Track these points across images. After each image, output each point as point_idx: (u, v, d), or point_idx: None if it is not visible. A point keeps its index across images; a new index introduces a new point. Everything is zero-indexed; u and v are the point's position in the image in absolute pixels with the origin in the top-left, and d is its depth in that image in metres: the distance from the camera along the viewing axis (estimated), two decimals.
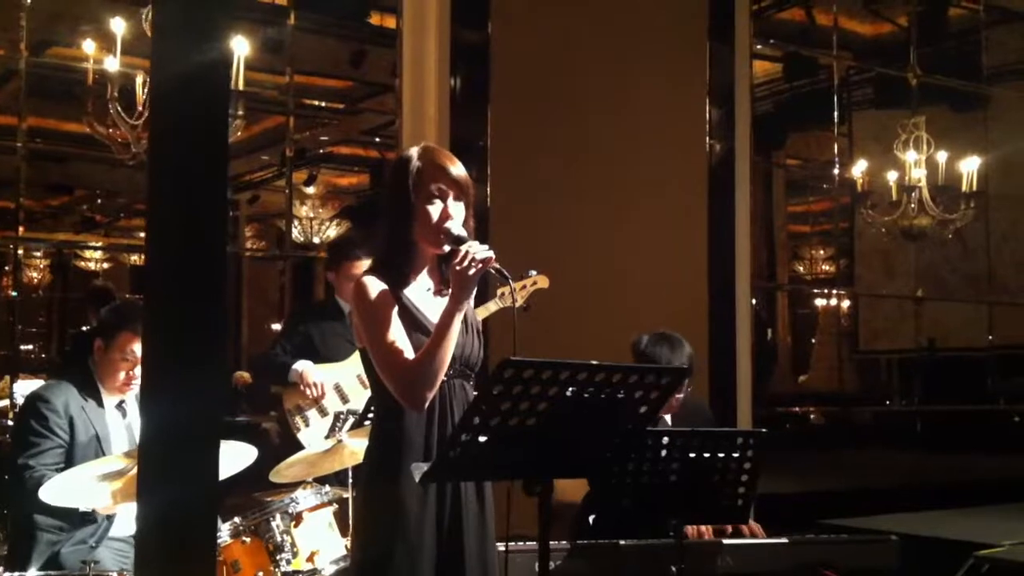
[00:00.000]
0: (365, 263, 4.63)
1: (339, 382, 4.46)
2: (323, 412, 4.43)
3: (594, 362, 2.21)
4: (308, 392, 4.42)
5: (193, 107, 1.49)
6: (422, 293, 2.70)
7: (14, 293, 7.08)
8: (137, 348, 3.46)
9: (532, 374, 2.15)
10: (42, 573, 3.10)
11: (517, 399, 2.18)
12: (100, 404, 3.51)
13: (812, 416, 10.95)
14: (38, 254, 14.29)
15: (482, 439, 2.22)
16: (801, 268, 14.45)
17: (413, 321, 2.62)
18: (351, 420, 4.05)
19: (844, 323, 11.84)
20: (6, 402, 6.01)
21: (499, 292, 3.96)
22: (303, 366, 4.46)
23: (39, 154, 9.91)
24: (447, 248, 2.64)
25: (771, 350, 13.57)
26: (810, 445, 9.72)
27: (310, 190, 12.63)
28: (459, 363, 2.64)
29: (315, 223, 13.08)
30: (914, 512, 6.04)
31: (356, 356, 4.50)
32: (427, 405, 2.56)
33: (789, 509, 5.51)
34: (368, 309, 2.59)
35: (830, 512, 5.74)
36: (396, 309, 2.60)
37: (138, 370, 3.48)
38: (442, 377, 2.55)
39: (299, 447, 4.14)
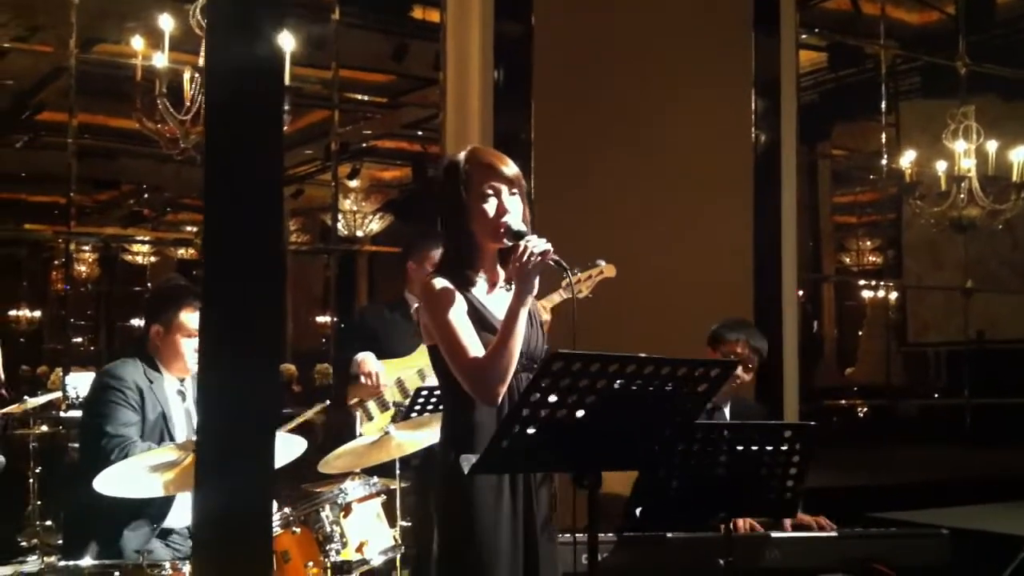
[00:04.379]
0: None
1: (401, 376, 4.46)
2: (384, 406, 4.44)
3: (643, 355, 2.21)
4: (364, 381, 4.42)
5: (248, 101, 1.50)
6: (487, 291, 2.75)
7: (67, 287, 7.20)
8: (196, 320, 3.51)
9: (581, 367, 2.16)
10: (97, 562, 3.13)
11: (566, 391, 2.19)
12: (163, 385, 3.57)
13: (859, 410, 10.85)
14: (87, 248, 14.49)
15: (531, 431, 2.23)
16: (847, 259, 14.30)
17: (480, 319, 2.67)
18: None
19: (892, 315, 11.69)
20: (58, 394, 6.10)
21: (563, 283, 3.93)
22: (363, 356, 4.46)
23: (88, 150, 10.03)
24: (508, 243, 2.67)
25: (817, 342, 13.46)
26: (857, 439, 9.63)
27: (354, 184, 12.69)
28: (525, 357, 2.67)
29: (358, 217, 13.15)
30: (963, 506, 5.97)
31: (419, 352, 4.50)
32: (500, 399, 2.59)
33: (837, 503, 5.47)
34: (437, 309, 2.64)
35: (878, 506, 5.69)
36: (465, 308, 2.64)
37: None
38: (512, 371, 2.58)
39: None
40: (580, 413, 2.24)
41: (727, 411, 4.00)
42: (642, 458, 2.56)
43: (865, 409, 10.90)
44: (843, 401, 11.58)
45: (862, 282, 14.30)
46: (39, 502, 5.85)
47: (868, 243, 13.99)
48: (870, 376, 12.33)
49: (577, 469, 2.38)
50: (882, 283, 12.50)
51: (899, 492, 6.60)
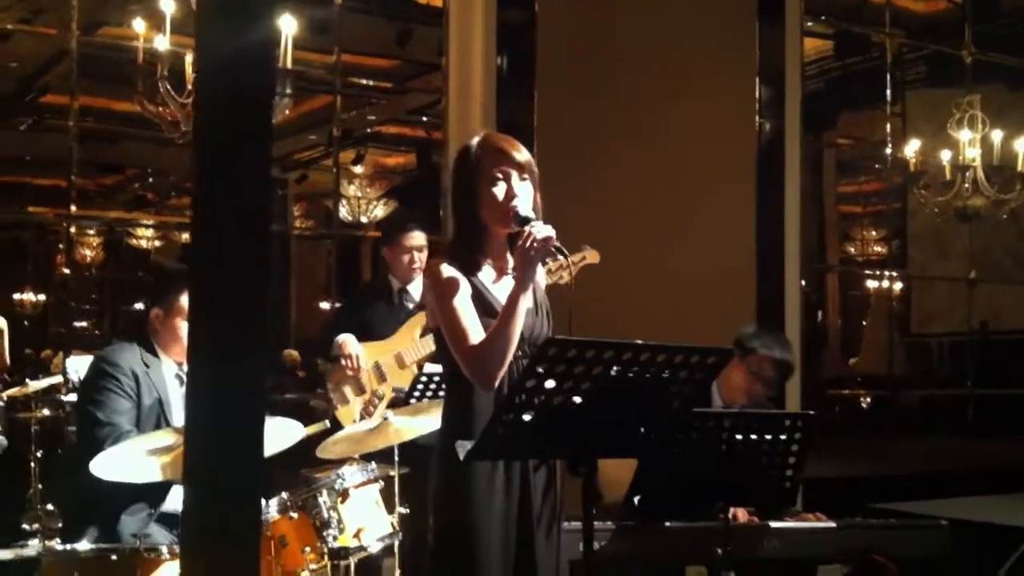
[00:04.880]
0: (418, 235, 4.63)
1: (379, 361, 4.46)
2: (360, 390, 4.43)
3: (639, 341, 2.19)
4: (344, 363, 4.42)
5: (238, 85, 1.48)
6: (494, 278, 2.74)
7: (67, 271, 7.22)
8: None
9: (576, 353, 2.14)
10: (94, 546, 3.13)
11: (561, 378, 2.17)
12: (161, 370, 3.55)
13: (862, 400, 10.84)
14: (91, 232, 14.51)
15: (527, 417, 2.22)
16: (852, 249, 14.28)
17: (484, 304, 2.66)
18: (386, 399, 4.03)
19: (896, 305, 11.68)
20: (59, 378, 6.11)
21: (546, 268, 3.93)
22: (344, 337, 4.46)
23: (91, 133, 10.02)
24: (515, 228, 2.66)
25: (821, 332, 13.44)
26: (860, 428, 9.62)
27: (358, 169, 12.68)
28: (528, 344, 2.66)
29: (362, 202, 13.15)
30: (966, 497, 5.96)
31: (398, 336, 4.52)
32: (496, 384, 2.58)
33: (839, 493, 5.46)
34: (441, 292, 2.64)
35: (880, 496, 5.68)
36: (469, 292, 2.64)
37: None
38: (511, 357, 2.58)
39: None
40: (576, 400, 2.23)
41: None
42: (639, 446, 2.55)
43: (868, 399, 10.90)
44: (846, 391, 11.58)
45: (866, 272, 14.29)
46: (40, 485, 5.87)
47: (873, 233, 13.97)
48: (873, 366, 12.32)
49: (573, 456, 2.37)
50: (887, 273, 12.48)
51: (901, 482, 6.59)
